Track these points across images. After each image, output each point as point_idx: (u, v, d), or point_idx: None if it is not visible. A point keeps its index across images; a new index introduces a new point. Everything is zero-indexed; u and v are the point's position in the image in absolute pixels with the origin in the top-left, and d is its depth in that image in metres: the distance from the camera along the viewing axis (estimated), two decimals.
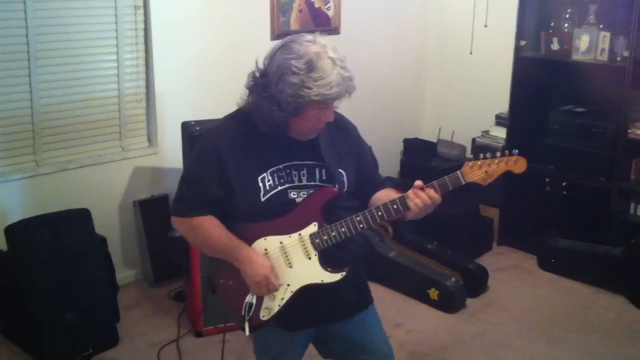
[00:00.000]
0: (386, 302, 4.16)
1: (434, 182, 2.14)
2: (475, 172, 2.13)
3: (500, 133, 5.04)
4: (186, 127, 3.79)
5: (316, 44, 2.07)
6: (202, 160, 2.22)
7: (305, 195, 2.18)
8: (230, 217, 2.23)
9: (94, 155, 4.17)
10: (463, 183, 2.13)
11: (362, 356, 2.41)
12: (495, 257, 4.83)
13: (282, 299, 2.20)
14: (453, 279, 4.14)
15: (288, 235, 2.18)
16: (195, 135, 3.63)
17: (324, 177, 2.21)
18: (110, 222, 4.22)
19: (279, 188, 2.16)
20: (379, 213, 2.14)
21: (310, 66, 2.03)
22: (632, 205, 4.50)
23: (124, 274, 4.33)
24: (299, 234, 2.17)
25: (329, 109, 2.13)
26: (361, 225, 2.14)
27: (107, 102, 4.16)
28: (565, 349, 3.74)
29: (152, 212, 4.34)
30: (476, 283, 4.30)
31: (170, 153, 4.33)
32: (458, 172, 2.14)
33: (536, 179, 4.75)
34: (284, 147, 2.19)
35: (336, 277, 2.18)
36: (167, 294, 4.25)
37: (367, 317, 2.42)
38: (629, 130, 4.38)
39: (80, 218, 3.65)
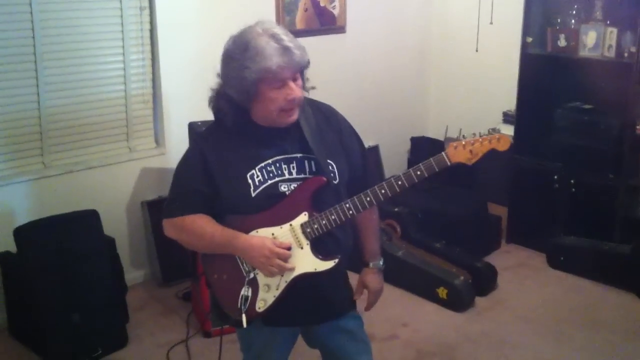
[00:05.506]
0: (394, 301, 4.15)
1: (420, 164, 2.12)
2: (460, 152, 2.11)
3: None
4: (193, 127, 3.79)
5: (254, 28, 2.11)
6: (188, 162, 2.26)
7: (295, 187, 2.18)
8: (221, 213, 2.21)
9: (102, 156, 4.17)
10: (449, 164, 2.11)
11: None
12: (503, 255, 4.82)
13: (277, 289, 2.18)
14: (462, 278, 4.13)
15: (279, 227, 2.16)
16: None
17: (314, 169, 2.20)
18: (118, 223, 4.22)
19: (269, 182, 2.15)
20: (367, 199, 2.13)
21: (245, 47, 2.08)
22: None
23: (132, 275, 4.34)
24: (290, 224, 2.16)
25: (289, 86, 2.08)
26: (350, 212, 2.13)
27: (113, 103, 4.17)
28: (573, 346, 3.73)
29: (160, 213, 4.33)
30: (485, 281, 4.29)
31: (178, 153, 4.25)
32: (443, 153, 2.12)
33: (544, 176, 4.74)
34: (271, 143, 2.19)
35: (329, 264, 2.16)
36: (175, 294, 4.25)
37: (356, 328, 2.40)
38: (636, 127, 4.36)
39: (88, 219, 3.66)
